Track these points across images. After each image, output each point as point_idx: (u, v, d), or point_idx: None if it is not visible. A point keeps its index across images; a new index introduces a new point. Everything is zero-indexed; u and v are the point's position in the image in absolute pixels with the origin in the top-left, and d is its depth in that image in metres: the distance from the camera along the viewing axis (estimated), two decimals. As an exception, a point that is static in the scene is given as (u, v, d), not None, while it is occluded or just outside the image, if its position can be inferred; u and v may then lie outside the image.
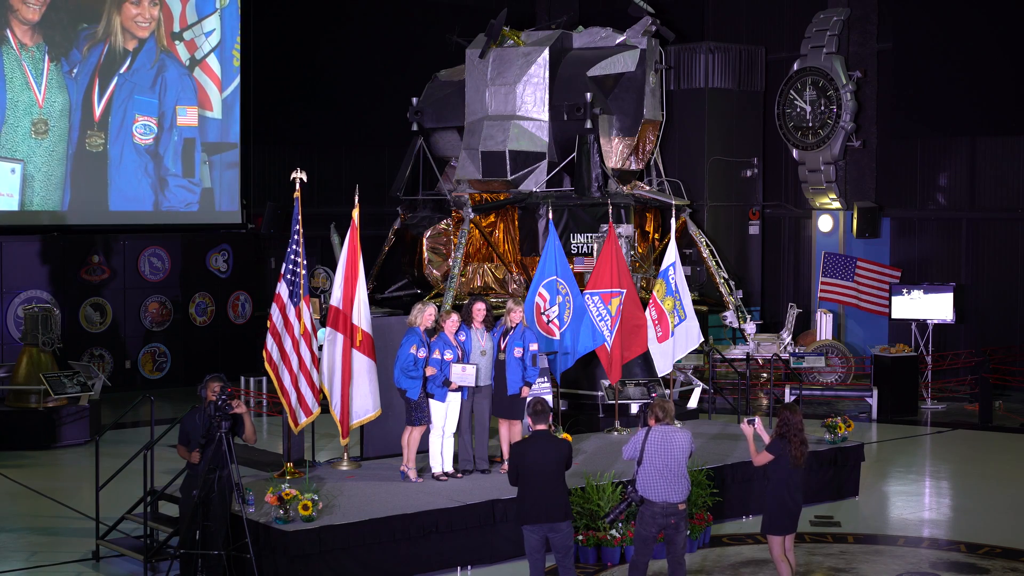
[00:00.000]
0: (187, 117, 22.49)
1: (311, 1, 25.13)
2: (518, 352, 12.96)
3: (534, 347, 13.07)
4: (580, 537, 11.79)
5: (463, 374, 12.52)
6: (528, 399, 12.12)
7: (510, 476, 10.27)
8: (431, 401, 12.64)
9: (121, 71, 21.78)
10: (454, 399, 12.74)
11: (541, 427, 10.19)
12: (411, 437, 12.69)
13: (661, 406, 10.32)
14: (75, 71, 21.33)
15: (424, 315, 12.69)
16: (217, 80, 22.85)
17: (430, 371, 12.48)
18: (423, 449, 12.83)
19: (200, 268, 22.66)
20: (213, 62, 22.81)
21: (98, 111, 21.58)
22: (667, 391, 16.89)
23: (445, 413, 12.69)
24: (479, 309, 12.91)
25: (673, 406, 10.52)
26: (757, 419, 10.51)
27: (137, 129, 21.88)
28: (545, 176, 21.35)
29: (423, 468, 12.83)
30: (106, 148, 21.62)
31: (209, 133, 22.82)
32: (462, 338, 12.87)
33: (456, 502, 11.79)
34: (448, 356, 12.55)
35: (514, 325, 13.06)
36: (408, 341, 12.52)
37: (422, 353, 12.47)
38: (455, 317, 12.77)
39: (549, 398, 14.08)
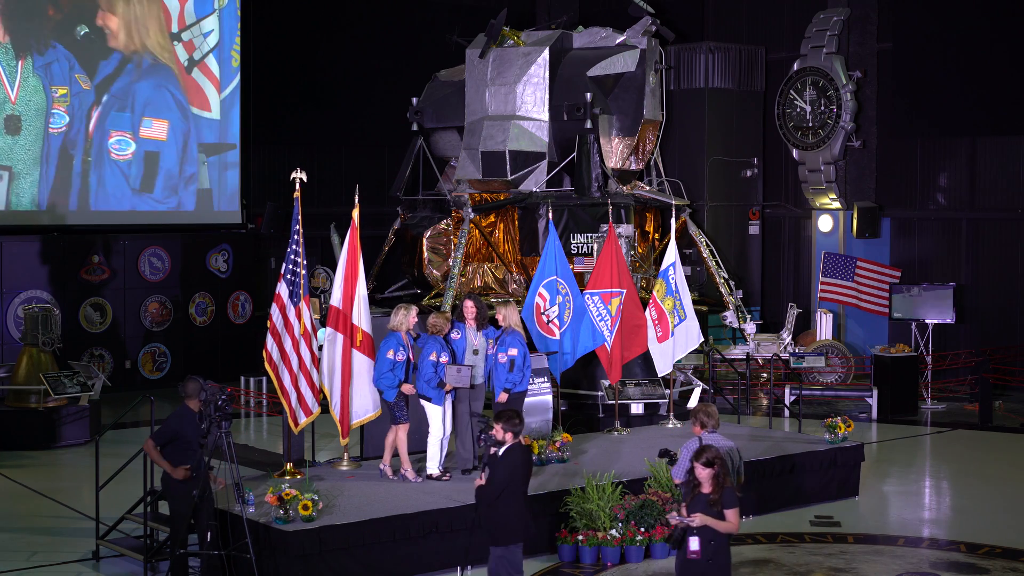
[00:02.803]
0: (152, 130, 22.08)
1: (311, 1, 25.12)
2: (502, 357, 12.86)
3: (513, 352, 12.84)
4: (580, 537, 11.81)
5: (458, 375, 12.52)
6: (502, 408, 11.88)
7: (492, 492, 9.71)
8: (428, 405, 12.67)
9: (98, 78, 21.50)
10: (447, 400, 12.77)
11: (515, 440, 9.85)
12: (397, 437, 12.70)
13: (706, 411, 10.04)
14: (53, 71, 21.14)
15: (409, 319, 12.67)
16: (216, 81, 22.83)
17: (407, 389, 12.49)
18: (416, 450, 12.86)
19: (200, 268, 22.66)
20: (212, 63, 22.78)
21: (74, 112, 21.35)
22: (667, 391, 16.89)
23: (443, 414, 12.70)
24: (468, 307, 12.95)
25: (716, 411, 10.21)
26: (674, 515, 9.20)
27: (113, 145, 21.61)
28: (545, 176, 21.36)
29: (418, 469, 12.85)
30: (81, 152, 21.37)
31: (207, 134, 22.80)
32: (456, 336, 12.92)
33: (456, 502, 11.79)
34: (444, 359, 12.57)
35: (506, 326, 13.01)
36: (386, 345, 12.57)
37: (400, 356, 12.51)
38: (448, 318, 12.78)
39: (549, 398, 14.09)
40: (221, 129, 22.96)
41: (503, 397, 12.84)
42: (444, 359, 12.57)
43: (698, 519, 8.92)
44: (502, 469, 9.67)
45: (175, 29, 22.37)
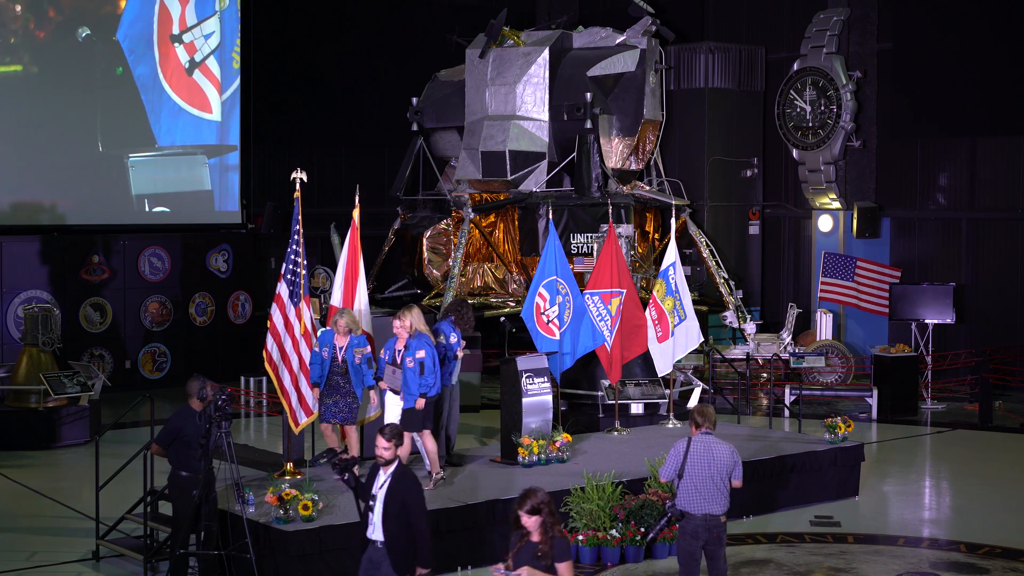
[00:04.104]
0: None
1: (311, 1, 25.12)
2: (410, 362, 12.40)
3: (421, 354, 12.33)
4: (580, 537, 11.81)
5: (392, 377, 12.44)
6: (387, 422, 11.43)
7: (425, 512, 9.13)
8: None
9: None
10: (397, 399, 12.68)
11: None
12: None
13: (700, 411, 9.88)
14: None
15: (339, 323, 12.48)
16: (217, 82, 22.79)
17: (315, 392, 12.49)
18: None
19: (200, 268, 22.65)
20: (213, 64, 22.74)
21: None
22: (667, 391, 16.90)
23: (398, 408, 12.61)
24: (397, 326, 12.49)
25: (714, 411, 10.02)
26: (499, 568, 8.12)
27: None
28: (545, 176, 21.36)
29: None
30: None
31: (208, 136, 22.78)
32: (452, 340, 13.20)
33: (456, 502, 11.79)
34: (386, 356, 12.57)
35: (412, 332, 12.48)
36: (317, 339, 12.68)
37: (325, 354, 12.51)
38: (397, 324, 12.45)
39: (549, 398, 14.08)
40: (222, 131, 22.92)
41: (420, 403, 12.29)
42: (386, 356, 12.55)
43: (524, 573, 7.88)
44: (416, 485, 9.13)
45: (176, 31, 22.34)
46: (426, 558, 9.05)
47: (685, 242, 22.20)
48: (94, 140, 21.65)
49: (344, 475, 9.27)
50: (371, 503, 9.03)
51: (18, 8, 20.88)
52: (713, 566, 9.88)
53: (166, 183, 22.40)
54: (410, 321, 12.42)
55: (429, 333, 12.60)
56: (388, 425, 9.31)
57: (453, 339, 13.42)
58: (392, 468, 9.02)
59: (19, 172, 20.93)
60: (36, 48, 21.06)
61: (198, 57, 22.61)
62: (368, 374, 12.55)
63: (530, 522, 7.91)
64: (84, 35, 21.47)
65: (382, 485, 9.02)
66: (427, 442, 12.43)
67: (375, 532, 9.03)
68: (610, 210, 17.13)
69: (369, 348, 12.62)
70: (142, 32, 21.97)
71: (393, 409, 12.76)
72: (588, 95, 21.01)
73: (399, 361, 12.38)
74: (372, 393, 12.57)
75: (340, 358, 12.49)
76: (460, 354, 13.53)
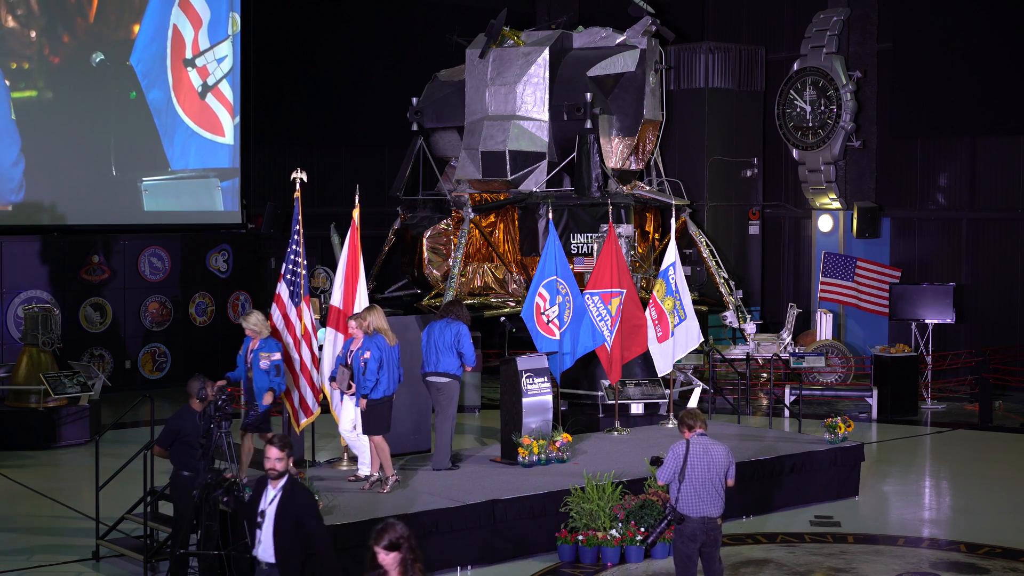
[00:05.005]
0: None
1: (311, 1, 25.11)
2: (362, 361, 12.36)
3: (367, 355, 12.26)
4: (580, 537, 11.81)
5: (342, 377, 12.39)
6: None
7: (327, 535, 8.76)
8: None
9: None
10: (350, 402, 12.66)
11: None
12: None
13: (690, 415, 9.88)
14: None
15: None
16: (229, 106, 22.74)
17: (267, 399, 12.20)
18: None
19: (200, 268, 22.65)
20: (225, 88, 22.70)
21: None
22: (667, 391, 16.89)
23: (354, 412, 12.59)
24: (353, 327, 12.46)
25: (700, 412, 10.04)
26: None
27: None
28: (545, 176, 21.36)
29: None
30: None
31: (221, 159, 22.74)
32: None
33: (456, 502, 11.80)
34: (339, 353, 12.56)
35: (370, 331, 12.46)
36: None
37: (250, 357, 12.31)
38: (353, 324, 12.42)
39: (549, 398, 14.09)
40: (235, 154, 22.89)
41: (363, 404, 12.26)
42: (340, 353, 12.51)
43: None
44: (310, 497, 8.72)
45: (189, 55, 22.30)
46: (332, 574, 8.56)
47: (685, 242, 22.19)
48: (108, 164, 21.67)
49: (225, 497, 8.90)
50: (259, 520, 8.47)
51: (33, 34, 20.90)
52: (709, 568, 9.87)
53: (179, 206, 22.44)
54: (369, 321, 12.33)
55: (387, 334, 12.41)
56: (278, 435, 8.80)
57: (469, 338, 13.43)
58: (282, 482, 8.56)
59: (34, 193, 20.91)
60: (51, 73, 21.09)
61: (211, 81, 22.59)
62: (276, 382, 12.11)
63: (388, 560, 6.86)
64: (98, 60, 21.47)
65: (271, 500, 8.51)
66: (381, 444, 12.35)
67: (263, 552, 8.51)
68: (610, 210, 17.13)
69: (278, 355, 12.15)
70: (155, 57, 21.96)
71: (348, 412, 12.75)
72: (588, 95, 21.00)
73: (349, 362, 12.32)
74: (268, 395, 12.09)
75: (248, 361, 12.23)
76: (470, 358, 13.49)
